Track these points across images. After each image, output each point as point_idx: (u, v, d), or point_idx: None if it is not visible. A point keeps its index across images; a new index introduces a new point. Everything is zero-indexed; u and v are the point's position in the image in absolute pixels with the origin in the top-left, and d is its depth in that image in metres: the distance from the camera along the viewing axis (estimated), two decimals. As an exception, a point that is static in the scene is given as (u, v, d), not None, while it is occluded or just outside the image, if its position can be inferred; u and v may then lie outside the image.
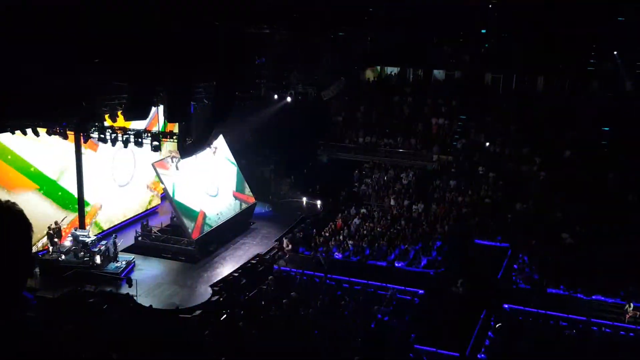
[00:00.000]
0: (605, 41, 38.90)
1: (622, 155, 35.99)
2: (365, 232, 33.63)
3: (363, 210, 36.22)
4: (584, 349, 24.19)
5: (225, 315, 25.56)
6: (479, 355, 23.70)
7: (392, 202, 37.29)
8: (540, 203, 35.01)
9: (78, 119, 23.87)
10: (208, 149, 31.94)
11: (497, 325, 25.36)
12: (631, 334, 25.14)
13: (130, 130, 26.64)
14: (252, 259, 30.90)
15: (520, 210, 35.07)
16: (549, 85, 42.84)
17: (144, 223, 32.51)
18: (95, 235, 29.71)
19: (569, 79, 41.55)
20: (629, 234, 31.71)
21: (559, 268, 29.81)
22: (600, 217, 32.86)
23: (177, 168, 31.25)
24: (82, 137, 27.97)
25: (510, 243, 32.83)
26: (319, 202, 37.34)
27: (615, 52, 38.81)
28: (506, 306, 27.12)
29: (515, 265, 30.36)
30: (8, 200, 3.18)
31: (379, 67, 46.68)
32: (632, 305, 26.16)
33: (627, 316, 25.88)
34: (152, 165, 31.15)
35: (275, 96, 34.10)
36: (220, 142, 33.78)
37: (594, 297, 27.82)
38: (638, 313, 26.04)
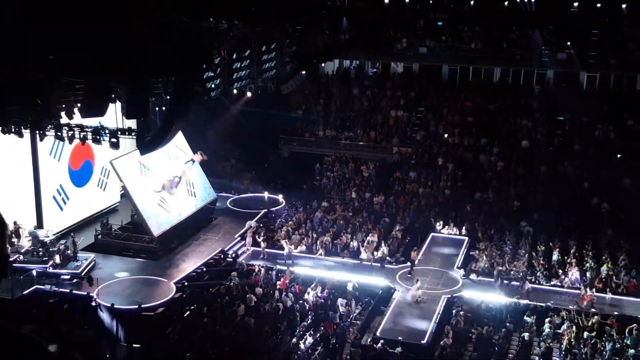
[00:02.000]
0: (559, 32, 39.69)
1: (578, 144, 36.78)
2: (327, 225, 33.77)
3: (325, 204, 36.35)
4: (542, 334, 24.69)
5: (188, 312, 25.46)
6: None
7: (354, 195, 37.50)
8: (499, 192, 35.60)
9: (33, 117, 23.37)
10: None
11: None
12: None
13: (87, 127, 26.15)
14: (215, 254, 30.75)
15: (479, 199, 35.60)
16: (505, 77, 43.52)
17: (104, 221, 32.08)
18: (54, 235, 29.24)
19: (525, 70, 42.26)
20: (584, 221, 32.49)
21: (516, 255, 30.41)
22: (558, 205, 33.56)
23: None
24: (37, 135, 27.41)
25: (469, 233, 33.33)
26: (280, 197, 37.33)
27: (568, 43, 39.56)
28: (465, 295, 27.47)
29: (473, 254, 30.79)
30: None
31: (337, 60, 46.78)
32: (588, 290, 26.76)
33: (584, 301, 26.46)
34: (110, 162, 30.76)
35: (235, 91, 33.89)
36: (179, 138, 33.45)
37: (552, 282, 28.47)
38: (595, 298, 26.65)
